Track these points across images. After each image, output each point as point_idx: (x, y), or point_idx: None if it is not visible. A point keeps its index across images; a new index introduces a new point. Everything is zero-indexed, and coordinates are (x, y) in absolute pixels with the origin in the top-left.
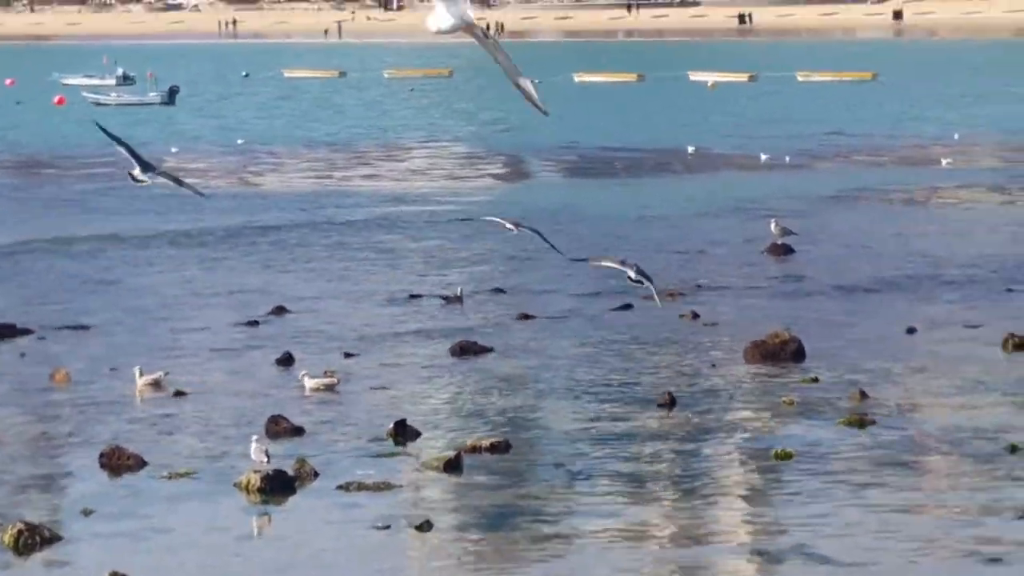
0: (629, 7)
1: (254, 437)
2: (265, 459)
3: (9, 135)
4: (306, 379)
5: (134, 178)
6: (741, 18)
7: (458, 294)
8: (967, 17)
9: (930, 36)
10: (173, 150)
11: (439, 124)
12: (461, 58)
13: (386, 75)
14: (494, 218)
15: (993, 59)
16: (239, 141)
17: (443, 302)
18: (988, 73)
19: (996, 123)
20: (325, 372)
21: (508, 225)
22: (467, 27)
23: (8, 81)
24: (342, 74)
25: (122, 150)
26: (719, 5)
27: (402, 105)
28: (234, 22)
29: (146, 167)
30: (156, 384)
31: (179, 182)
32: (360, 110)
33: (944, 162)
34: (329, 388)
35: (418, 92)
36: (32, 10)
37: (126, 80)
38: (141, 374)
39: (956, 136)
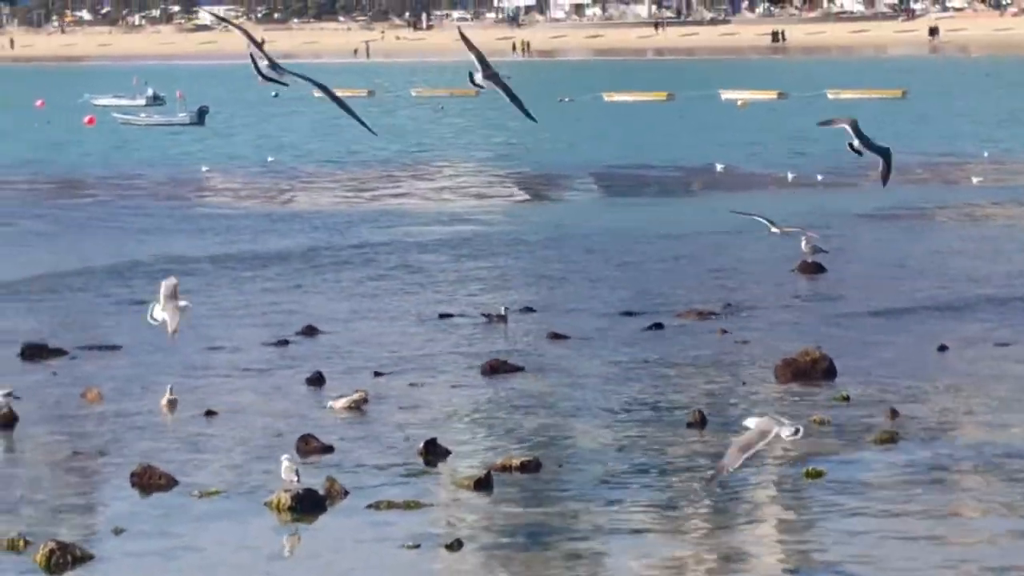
0: (656, 25)
1: (284, 456)
2: (295, 478)
3: (40, 155)
4: (332, 403)
5: (474, 83)
6: (775, 36)
7: (502, 313)
8: (998, 34)
9: (961, 53)
10: (204, 169)
11: (468, 143)
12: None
13: (413, 94)
14: (759, 218)
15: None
16: (269, 159)
17: (486, 320)
18: (1019, 90)
19: None
20: (355, 391)
21: (774, 229)
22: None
23: (39, 102)
24: (371, 93)
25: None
26: (749, 23)
27: (431, 124)
28: (262, 42)
29: (487, 70)
30: (173, 404)
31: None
32: (389, 129)
33: (975, 180)
34: (358, 405)
35: (447, 110)
36: (63, 31)
37: (156, 100)
38: (172, 392)
39: (986, 154)
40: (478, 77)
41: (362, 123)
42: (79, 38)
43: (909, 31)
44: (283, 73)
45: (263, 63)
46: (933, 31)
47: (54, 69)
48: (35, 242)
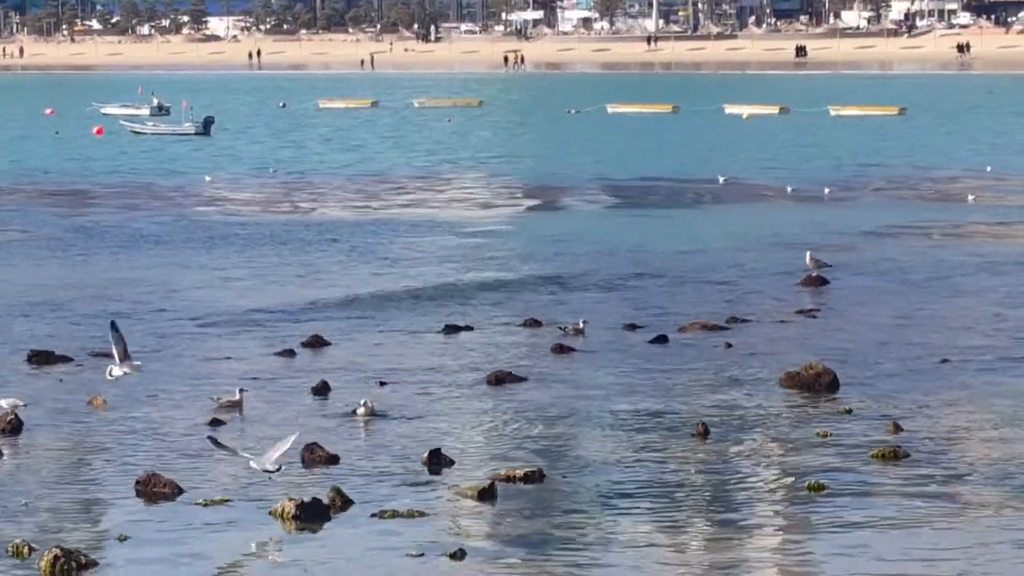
0: (649, 40)
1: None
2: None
3: (49, 164)
4: (359, 409)
5: None
6: (799, 50)
7: (580, 327)
8: (1003, 51)
9: (966, 71)
10: (207, 179)
11: (471, 153)
12: (491, 88)
13: (416, 104)
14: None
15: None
16: (272, 171)
17: (561, 332)
18: (1020, 108)
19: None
20: (363, 402)
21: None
22: None
23: (48, 111)
24: (374, 104)
25: None
26: (756, 38)
27: (435, 134)
28: (258, 52)
29: None
30: (237, 406)
31: None
32: (393, 139)
33: (970, 198)
34: (369, 414)
35: (454, 121)
36: (73, 40)
37: (160, 110)
38: (240, 393)
39: (988, 168)
40: None
41: None
42: (88, 47)
43: (915, 47)
44: None
45: None
46: (962, 47)
47: (63, 78)
48: (44, 249)
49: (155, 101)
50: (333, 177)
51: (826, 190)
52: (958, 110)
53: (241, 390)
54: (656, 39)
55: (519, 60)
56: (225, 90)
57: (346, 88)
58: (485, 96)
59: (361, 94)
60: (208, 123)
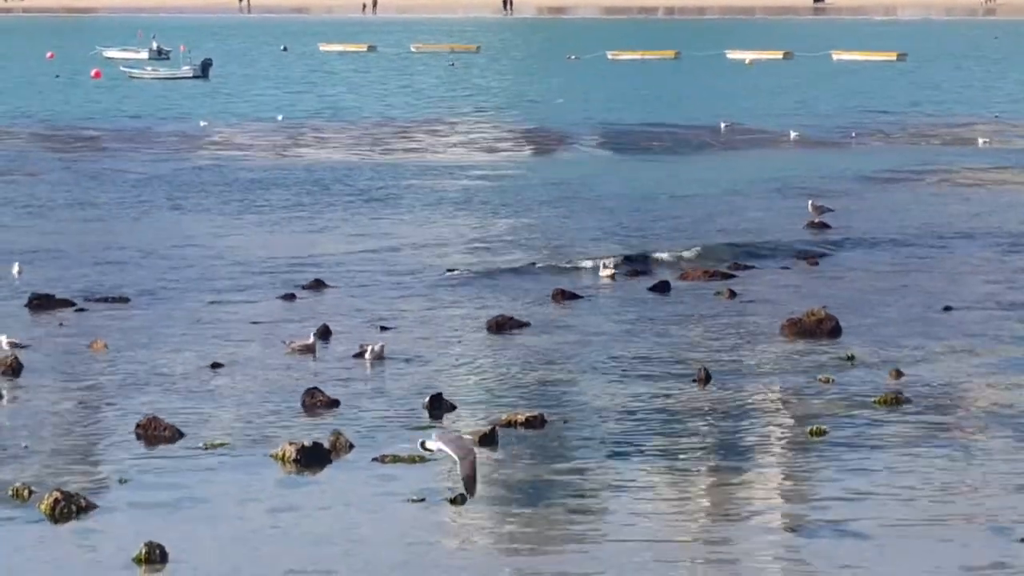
0: None
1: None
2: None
3: (50, 107)
4: (367, 351)
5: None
6: None
7: (610, 266)
8: None
9: (974, 15)
10: (202, 124)
11: (472, 98)
12: (489, 33)
13: (413, 49)
14: None
15: None
16: (279, 117)
17: (594, 273)
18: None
19: None
20: (360, 346)
21: None
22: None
23: (49, 54)
24: (371, 48)
25: None
26: None
27: (436, 79)
28: None
29: None
30: (310, 349)
31: None
32: (395, 84)
33: (981, 142)
34: (378, 356)
35: (457, 66)
36: None
37: (160, 54)
38: (313, 337)
39: (996, 115)
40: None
41: None
42: None
43: None
44: None
45: None
46: None
47: (64, 21)
48: (45, 193)
49: (154, 45)
50: (336, 121)
51: (853, 134)
52: (961, 55)
53: (314, 333)
54: None
55: (509, 4)
56: (227, 34)
57: (345, 32)
58: (483, 42)
59: (360, 38)
60: (206, 66)
